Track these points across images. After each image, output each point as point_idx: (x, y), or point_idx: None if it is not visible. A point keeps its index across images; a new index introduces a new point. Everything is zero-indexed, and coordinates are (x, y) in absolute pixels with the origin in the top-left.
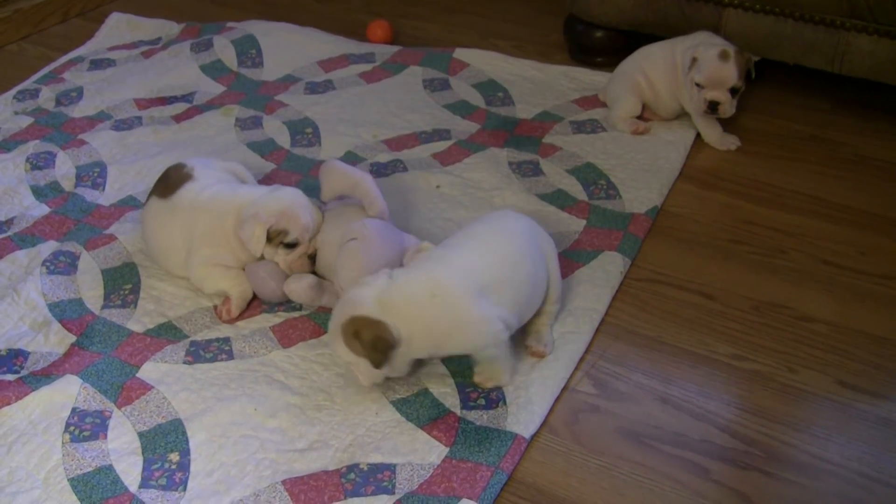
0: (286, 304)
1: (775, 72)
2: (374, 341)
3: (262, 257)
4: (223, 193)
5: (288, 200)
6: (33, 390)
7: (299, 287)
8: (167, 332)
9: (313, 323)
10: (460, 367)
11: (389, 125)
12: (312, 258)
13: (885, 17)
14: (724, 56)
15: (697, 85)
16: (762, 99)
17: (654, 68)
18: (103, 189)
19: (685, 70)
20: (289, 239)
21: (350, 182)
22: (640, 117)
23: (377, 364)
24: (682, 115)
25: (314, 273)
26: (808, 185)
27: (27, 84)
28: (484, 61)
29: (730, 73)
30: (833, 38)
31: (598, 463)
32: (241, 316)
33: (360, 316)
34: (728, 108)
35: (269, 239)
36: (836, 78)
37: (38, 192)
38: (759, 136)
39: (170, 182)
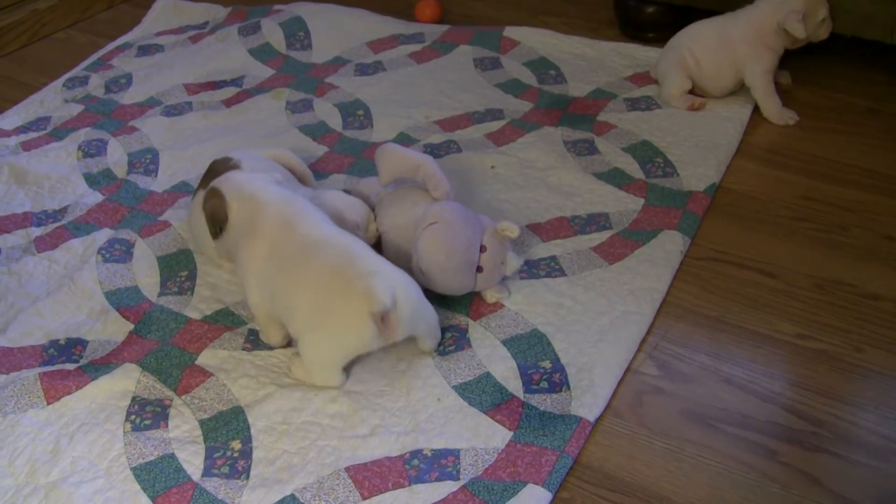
0: None
1: (832, 45)
2: (212, 210)
3: None
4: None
5: (329, 206)
6: (93, 379)
7: None
8: (225, 319)
9: None
10: (521, 348)
11: (441, 105)
12: (378, 245)
13: None
14: None
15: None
16: (819, 73)
17: (702, 46)
18: (156, 175)
19: (800, 31)
20: None
21: (412, 165)
22: (692, 92)
23: (211, 232)
24: (734, 91)
25: None
26: (868, 160)
27: (76, 71)
28: (534, 39)
29: None
30: (891, 10)
31: (663, 446)
32: None
33: (217, 188)
34: None
35: None
36: (893, 50)
37: (91, 180)
38: (817, 110)
39: (215, 173)
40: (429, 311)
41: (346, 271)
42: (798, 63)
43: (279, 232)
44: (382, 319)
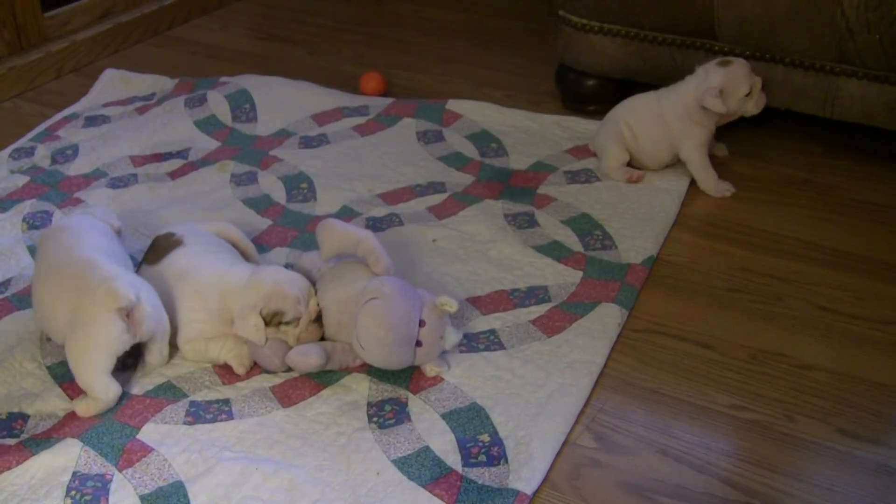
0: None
1: (768, 117)
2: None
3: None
4: (209, 269)
5: (269, 281)
6: (34, 454)
7: (306, 366)
8: (167, 392)
9: (313, 381)
10: (460, 422)
11: (384, 178)
12: (319, 320)
13: (874, 61)
14: (725, 62)
15: (747, 95)
16: (755, 144)
17: (637, 120)
18: None
19: (719, 107)
20: (286, 318)
21: (352, 241)
22: (630, 165)
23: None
24: (672, 164)
25: (323, 337)
26: (803, 230)
27: (22, 142)
28: (477, 112)
29: (745, 66)
30: (823, 83)
31: None
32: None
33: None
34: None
35: (267, 323)
36: (827, 122)
37: (35, 253)
38: (753, 181)
39: (158, 249)
40: (165, 317)
41: (90, 276)
42: (734, 135)
43: (45, 250)
44: (128, 315)
